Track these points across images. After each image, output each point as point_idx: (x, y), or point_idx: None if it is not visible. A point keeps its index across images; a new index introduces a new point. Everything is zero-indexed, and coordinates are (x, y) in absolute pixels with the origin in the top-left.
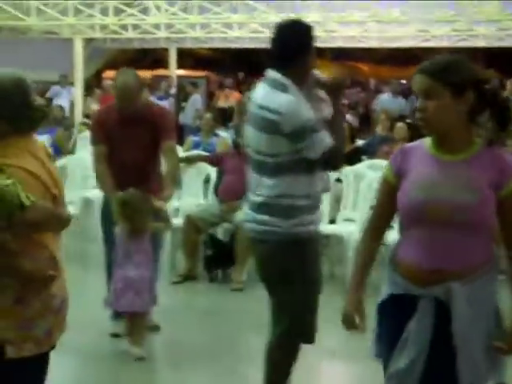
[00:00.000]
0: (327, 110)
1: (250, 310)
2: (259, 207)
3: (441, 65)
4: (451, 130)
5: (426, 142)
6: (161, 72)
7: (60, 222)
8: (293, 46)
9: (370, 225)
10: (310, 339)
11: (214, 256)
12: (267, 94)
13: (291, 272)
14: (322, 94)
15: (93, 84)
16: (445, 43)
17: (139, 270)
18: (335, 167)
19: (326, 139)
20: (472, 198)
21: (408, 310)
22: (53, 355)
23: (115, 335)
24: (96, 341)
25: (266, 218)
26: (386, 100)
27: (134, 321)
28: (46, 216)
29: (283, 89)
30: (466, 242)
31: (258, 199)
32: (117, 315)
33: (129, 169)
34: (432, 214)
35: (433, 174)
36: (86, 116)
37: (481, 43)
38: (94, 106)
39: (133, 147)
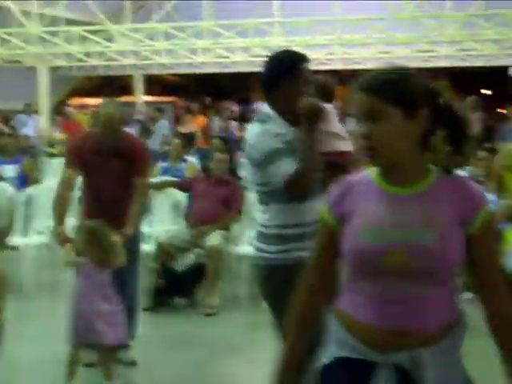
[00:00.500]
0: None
1: (226, 334)
2: (256, 234)
3: (387, 80)
4: (403, 158)
5: (372, 172)
6: (127, 99)
7: None
8: (269, 75)
9: (308, 280)
10: None
11: (166, 286)
12: (251, 126)
13: (279, 295)
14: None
15: (58, 112)
16: (407, 64)
17: (110, 303)
18: (300, 194)
19: (287, 167)
20: (433, 239)
21: (360, 378)
22: None
23: (89, 365)
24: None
25: (259, 244)
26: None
27: (105, 354)
28: None
29: (263, 120)
30: (431, 294)
31: (257, 227)
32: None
33: (102, 202)
34: (386, 263)
35: (383, 212)
36: (50, 145)
37: (443, 63)
38: (58, 135)
39: (109, 178)
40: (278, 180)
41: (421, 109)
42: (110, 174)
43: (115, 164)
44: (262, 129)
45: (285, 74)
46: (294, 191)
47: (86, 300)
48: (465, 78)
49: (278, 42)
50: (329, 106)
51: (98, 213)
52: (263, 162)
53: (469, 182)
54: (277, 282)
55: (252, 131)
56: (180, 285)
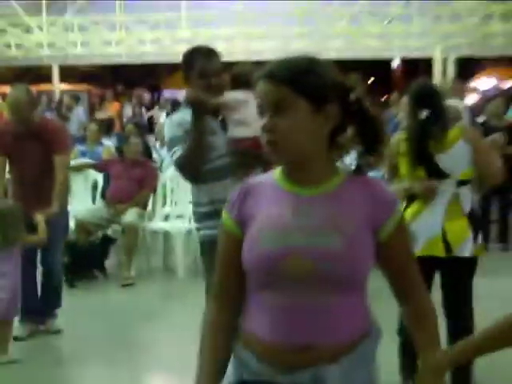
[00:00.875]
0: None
1: (142, 303)
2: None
3: (294, 68)
4: (310, 156)
5: (275, 172)
6: (44, 87)
7: None
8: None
9: (216, 293)
10: None
11: (73, 263)
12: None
13: (206, 270)
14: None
15: None
16: None
17: (2, 279)
18: (186, 176)
19: (177, 152)
20: (338, 243)
21: None
22: None
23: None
24: None
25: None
26: None
27: None
28: None
29: (180, 109)
30: (341, 304)
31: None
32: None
33: (27, 184)
34: (288, 268)
35: (285, 214)
36: None
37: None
38: None
39: (29, 162)
40: (174, 163)
41: (330, 102)
42: (30, 157)
43: (33, 147)
44: (170, 118)
45: (185, 69)
46: (181, 173)
47: None
48: (352, 69)
49: (185, 34)
50: (242, 94)
51: (22, 195)
52: (168, 148)
53: (381, 184)
54: (202, 257)
55: (166, 120)
56: (87, 259)
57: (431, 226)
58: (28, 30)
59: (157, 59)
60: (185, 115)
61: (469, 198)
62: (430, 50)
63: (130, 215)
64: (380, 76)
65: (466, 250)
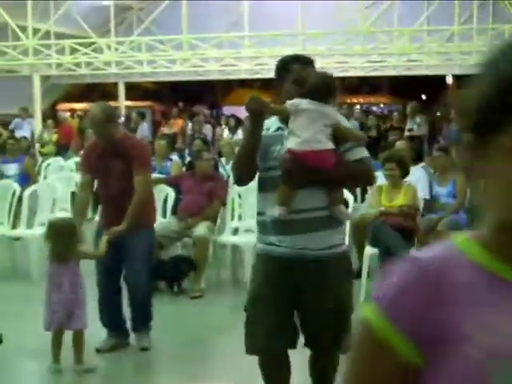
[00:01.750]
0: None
1: (212, 313)
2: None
3: None
4: None
5: (465, 245)
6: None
7: None
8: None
9: None
10: (262, 351)
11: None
12: None
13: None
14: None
15: (47, 116)
16: (360, 72)
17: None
18: (234, 179)
19: None
20: None
21: None
22: None
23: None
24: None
25: None
26: None
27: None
28: None
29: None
30: None
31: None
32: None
33: (110, 201)
34: None
35: None
36: (42, 145)
37: (391, 72)
38: (48, 136)
39: (111, 180)
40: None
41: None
42: (113, 175)
43: (115, 164)
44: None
45: (279, 75)
46: (233, 175)
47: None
48: (407, 85)
49: (248, 53)
50: (306, 103)
51: (106, 212)
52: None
53: None
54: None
55: None
56: (165, 272)
57: None
58: (97, 49)
59: (218, 76)
60: (270, 121)
61: None
62: None
63: (201, 229)
64: (432, 92)
65: None
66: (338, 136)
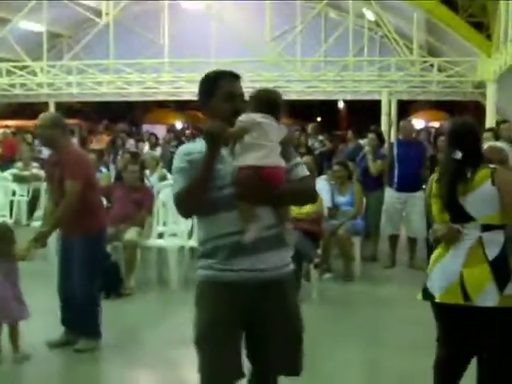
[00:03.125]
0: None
1: (141, 310)
2: None
3: None
4: None
5: None
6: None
7: None
8: (198, 96)
9: None
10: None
11: None
12: None
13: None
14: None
15: None
16: None
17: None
18: (181, 212)
19: (180, 184)
20: None
21: None
22: None
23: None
24: None
25: None
26: None
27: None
28: None
29: (195, 141)
30: None
31: None
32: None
33: (55, 205)
34: None
35: None
36: None
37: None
38: None
39: (54, 186)
40: (173, 198)
41: None
42: (55, 182)
43: (56, 172)
44: (179, 149)
45: (206, 93)
46: (177, 207)
47: None
48: (303, 108)
49: (168, 77)
50: (260, 116)
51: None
52: (172, 181)
53: None
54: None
55: (177, 150)
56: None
57: (450, 271)
58: (30, 72)
59: (139, 98)
60: (192, 146)
61: (494, 244)
62: (377, 95)
63: (130, 233)
64: (326, 114)
65: (487, 298)
66: (285, 153)
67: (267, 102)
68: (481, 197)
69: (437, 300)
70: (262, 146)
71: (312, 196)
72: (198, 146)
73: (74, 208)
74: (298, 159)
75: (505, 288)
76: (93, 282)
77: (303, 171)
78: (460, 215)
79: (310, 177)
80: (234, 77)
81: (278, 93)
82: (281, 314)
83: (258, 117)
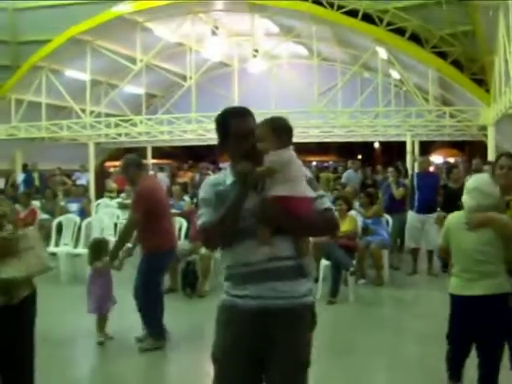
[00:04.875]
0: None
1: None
2: None
3: None
4: None
5: None
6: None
7: None
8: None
9: None
10: None
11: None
12: None
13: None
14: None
15: (98, 170)
16: (315, 139)
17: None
18: (206, 245)
19: (206, 216)
20: None
21: None
22: None
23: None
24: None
25: None
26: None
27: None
28: None
29: (222, 171)
30: None
31: None
32: None
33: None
34: None
35: None
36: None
37: (336, 139)
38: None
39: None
40: (198, 226)
41: None
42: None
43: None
44: (207, 179)
45: (218, 135)
46: (203, 240)
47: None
48: (347, 148)
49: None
50: (286, 153)
51: None
52: (199, 208)
53: None
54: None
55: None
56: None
57: None
58: (133, 124)
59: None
60: (218, 177)
61: None
62: (402, 137)
63: (205, 248)
64: (364, 153)
65: None
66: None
67: (290, 129)
68: None
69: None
70: (290, 180)
71: (331, 228)
72: (222, 177)
73: (129, 233)
74: (322, 192)
75: None
76: (149, 291)
77: (326, 203)
78: None
79: (331, 209)
80: (243, 115)
81: (285, 119)
82: (286, 342)
83: (286, 156)
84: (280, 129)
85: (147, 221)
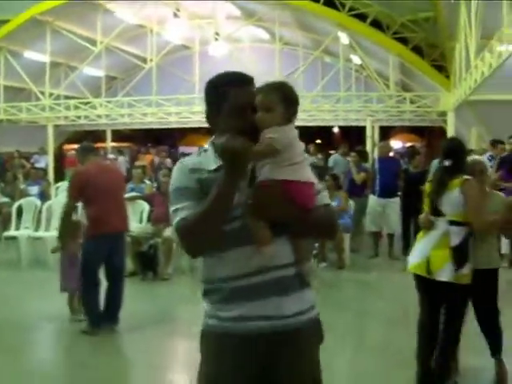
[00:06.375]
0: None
1: (176, 291)
2: None
3: None
4: None
5: None
6: (101, 145)
7: None
8: (205, 102)
9: None
10: None
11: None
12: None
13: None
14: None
15: (57, 153)
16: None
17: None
18: (186, 248)
19: (179, 213)
20: None
21: None
22: None
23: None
24: None
25: None
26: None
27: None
28: None
29: (199, 153)
30: None
31: None
32: None
33: None
34: None
35: None
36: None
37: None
38: None
39: None
40: (174, 224)
41: None
42: None
43: None
44: (182, 163)
45: (212, 103)
46: (181, 241)
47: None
48: (305, 133)
49: (198, 108)
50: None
51: None
52: (172, 199)
53: None
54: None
55: (177, 164)
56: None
57: (422, 250)
58: (92, 106)
59: (176, 125)
60: (197, 160)
61: (457, 236)
62: (362, 121)
63: (168, 232)
64: (323, 137)
65: (443, 275)
66: None
67: (298, 102)
68: (450, 199)
69: (409, 270)
70: (295, 163)
71: (334, 230)
72: (204, 160)
73: (66, 220)
74: (321, 185)
75: (460, 268)
76: (83, 277)
77: (326, 199)
78: (436, 211)
79: (332, 208)
80: (244, 82)
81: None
82: (298, 369)
83: (291, 134)
84: (291, 99)
85: (84, 206)
